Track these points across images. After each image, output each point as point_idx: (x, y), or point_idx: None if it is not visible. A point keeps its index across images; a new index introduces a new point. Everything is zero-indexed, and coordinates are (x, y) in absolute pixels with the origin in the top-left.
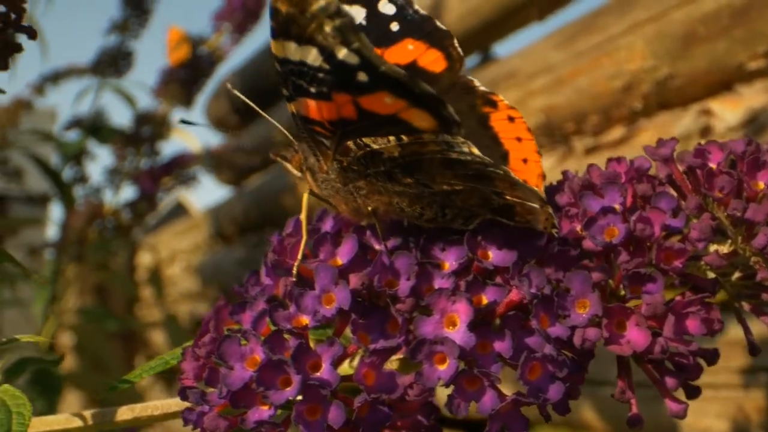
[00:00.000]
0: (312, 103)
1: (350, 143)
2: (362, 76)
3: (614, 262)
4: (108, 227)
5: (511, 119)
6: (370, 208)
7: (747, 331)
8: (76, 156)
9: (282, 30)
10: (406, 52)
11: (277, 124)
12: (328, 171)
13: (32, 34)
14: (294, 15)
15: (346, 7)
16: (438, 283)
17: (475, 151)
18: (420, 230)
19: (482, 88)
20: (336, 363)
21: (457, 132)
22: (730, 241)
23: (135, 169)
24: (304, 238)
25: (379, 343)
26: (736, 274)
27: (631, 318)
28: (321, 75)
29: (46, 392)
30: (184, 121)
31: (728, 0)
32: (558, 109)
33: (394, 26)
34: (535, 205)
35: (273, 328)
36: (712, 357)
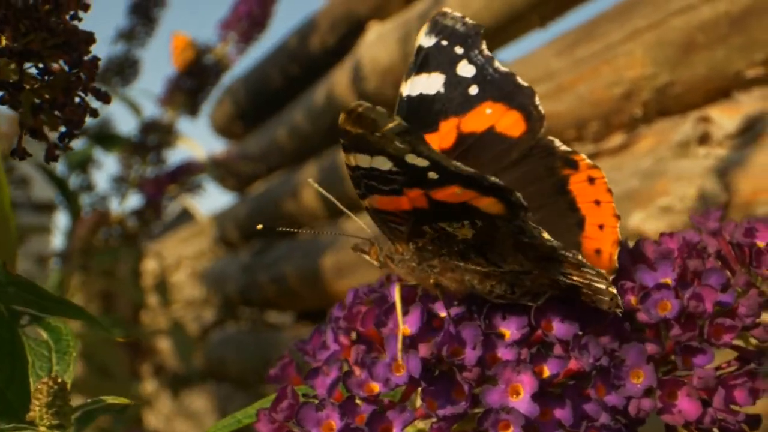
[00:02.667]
0: (385, 199)
1: (425, 227)
2: (432, 175)
3: (665, 334)
4: (114, 235)
5: (591, 180)
6: (432, 281)
7: None
8: (82, 164)
9: (352, 146)
10: (483, 117)
11: (362, 224)
12: (403, 253)
13: (107, 100)
14: (364, 135)
15: (425, 75)
16: (501, 352)
17: (546, 236)
18: (483, 300)
19: (562, 149)
20: (405, 427)
21: (525, 216)
22: None
23: (141, 178)
24: (399, 316)
25: (447, 410)
26: None
27: (683, 389)
28: (392, 177)
29: None
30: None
31: (726, 8)
32: (559, 117)
33: (473, 90)
34: (602, 287)
35: (346, 394)
36: (755, 423)
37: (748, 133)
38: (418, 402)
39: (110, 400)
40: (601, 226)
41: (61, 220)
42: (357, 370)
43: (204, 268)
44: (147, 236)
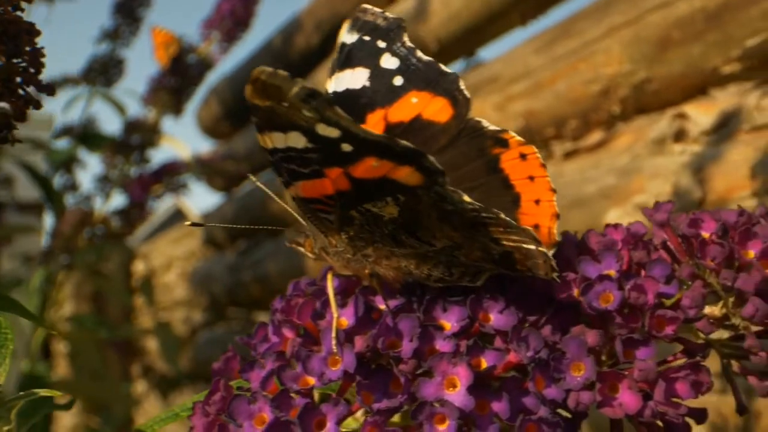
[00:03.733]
0: (308, 184)
1: (353, 212)
2: (346, 147)
3: (609, 326)
4: (98, 234)
5: (523, 157)
6: (368, 270)
7: (735, 390)
8: (67, 164)
9: (265, 123)
10: (410, 106)
11: (292, 210)
12: (336, 244)
13: (52, 92)
14: (273, 107)
15: (349, 71)
16: (439, 344)
17: (466, 198)
18: (423, 288)
19: (491, 128)
20: (340, 422)
21: (443, 180)
22: (722, 303)
23: (125, 177)
24: (334, 308)
25: (383, 403)
26: (727, 335)
27: (624, 382)
28: (309, 155)
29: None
30: None
31: (702, 4)
32: (538, 114)
33: (398, 80)
34: (531, 247)
35: (281, 386)
36: (701, 416)
37: (723, 129)
38: None
39: (43, 393)
40: (537, 201)
41: (49, 220)
42: (292, 364)
43: (191, 269)
44: (135, 236)
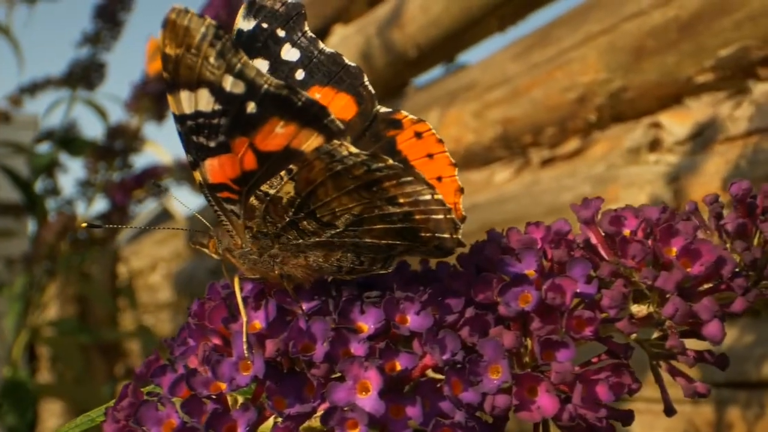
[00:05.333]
0: (215, 163)
1: (252, 200)
2: (251, 107)
3: (528, 327)
4: (80, 239)
5: (418, 135)
6: (277, 271)
7: (663, 391)
8: (48, 168)
9: (174, 78)
10: None
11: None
12: (242, 245)
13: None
14: (181, 55)
15: (252, 62)
16: (354, 347)
17: (353, 149)
18: (339, 288)
19: (383, 110)
20: (252, 428)
21: (344, 140)
22: (648, 302)
23: (107, 182)
24: (243, 312)
25: (294, 408)
26: (655, 334)
27: (542, 384)
28: (215, 120)
29: (17, 406)
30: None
31: (675, 13)
32: (515, 121)
33: (300, 74)
34: (427, 197)
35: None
36: (627, 418)
37: (698, 139)
38: None
39: None
40: (439, 179)
41: (30, 223)
42: (202, 369)
43: (174, 271)
44: (113, 241)
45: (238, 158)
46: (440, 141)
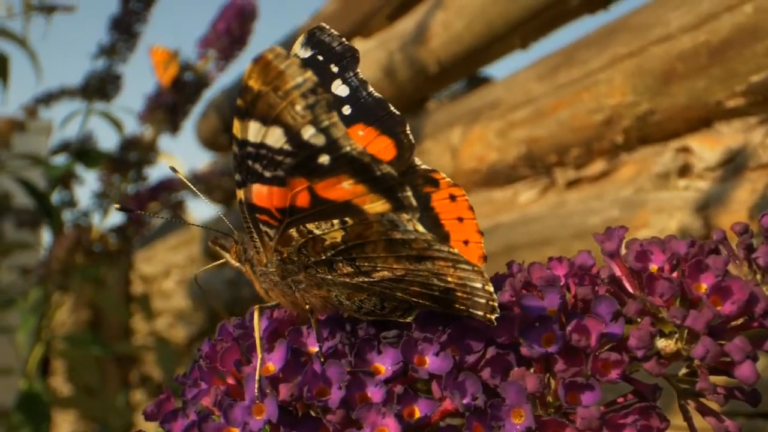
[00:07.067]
0: (263, 189)
1: (293, 231)
2: (323, 159)
3: (552, 369)
4: (95, 252)
5: (452, 198)
6: (308, 306)
7: (692, 428)
8: (64, 180)
9: (248, 108)
10: (356, 138)
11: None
12: (267, 264)
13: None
14: (265, 92)
15: None
16: (371, 391)
17: (420, 228)
18: (353, 322)
19: (423, 167)
20: None
21: (412, 217)
22: (676, 338)
23: (122, 194)
24: (260, 354)
25: None
26: (683, 370)
27: (566, 430)
28: (280, 158)
29: (33, 419)
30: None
31: (705, 38)
32: (540, 141)
33: (347, 110)
34: (478, 285)
35: None
36: None
37: (729, 165)
38: None
39: None
40: (465, 242)
41: (46, 234)
42: (215, 413)
43: (190, 280)
44: (129, 252)
45: (291, 194)
46: (471, 208)
